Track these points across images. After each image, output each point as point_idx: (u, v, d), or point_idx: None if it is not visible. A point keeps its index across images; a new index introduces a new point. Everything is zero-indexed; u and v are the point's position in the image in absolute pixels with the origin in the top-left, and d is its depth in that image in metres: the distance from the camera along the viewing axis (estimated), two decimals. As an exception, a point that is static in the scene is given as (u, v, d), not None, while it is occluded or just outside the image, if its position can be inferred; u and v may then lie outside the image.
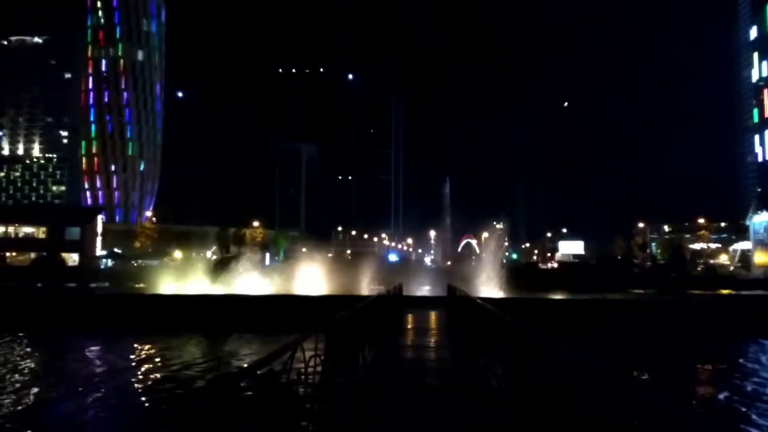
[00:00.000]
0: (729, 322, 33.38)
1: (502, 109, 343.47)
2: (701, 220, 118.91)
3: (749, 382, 20.56)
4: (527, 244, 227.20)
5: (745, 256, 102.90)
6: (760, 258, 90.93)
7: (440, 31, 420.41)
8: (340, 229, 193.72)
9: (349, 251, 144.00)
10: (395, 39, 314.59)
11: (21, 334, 30.48)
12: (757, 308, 37.62)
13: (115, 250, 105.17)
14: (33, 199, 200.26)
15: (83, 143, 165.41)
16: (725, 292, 57.42)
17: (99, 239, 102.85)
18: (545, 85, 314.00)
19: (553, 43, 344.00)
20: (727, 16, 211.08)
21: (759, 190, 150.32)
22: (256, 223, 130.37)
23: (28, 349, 27.17)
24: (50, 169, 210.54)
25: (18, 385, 19.12)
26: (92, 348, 27.55)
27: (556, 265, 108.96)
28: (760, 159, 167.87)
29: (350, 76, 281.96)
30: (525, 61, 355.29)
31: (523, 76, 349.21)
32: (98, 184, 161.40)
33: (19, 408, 16.19)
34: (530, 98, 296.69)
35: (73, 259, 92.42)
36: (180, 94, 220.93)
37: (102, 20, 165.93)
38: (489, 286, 44.92)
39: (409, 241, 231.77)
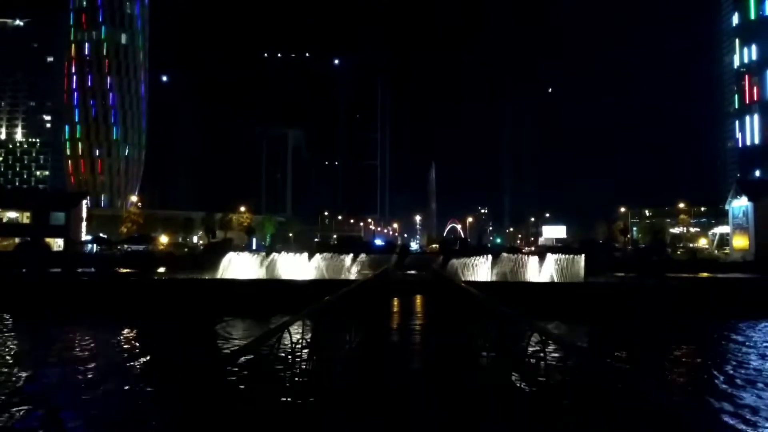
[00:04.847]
0: (708, 304, 34.59)
1: (487, 95, 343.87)
2: (681, 205, 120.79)
3: (726, 362, 21.53)
4: (511, 229, 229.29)
5: (724, 240, 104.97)
6: (738, 242, 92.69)
7: (427, 16, 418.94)
8: (326, 214, 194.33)
9: (335, 236, 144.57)
10: (381, 24, 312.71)
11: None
12: (735, 291, 39.04)
13: (101, 235, 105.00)
14: (16, 183, 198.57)
15: (67, 128, 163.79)
16: (704, 275, 58.69)
17: (84, 224, 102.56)
18: (529, 71, 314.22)
19: (536, 30, 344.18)
20: (709, 2, 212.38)
21: (738, 175, 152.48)
22: (242, 208, 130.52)
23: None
24: (34, 154, 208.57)
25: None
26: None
27: (533, 249, 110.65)
28: (740, 144, 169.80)
29: (336, 61, 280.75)
30: (510, 48, 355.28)
31: (508, 62, 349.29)
32: (82, 168, 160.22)
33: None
34: (515, 85, 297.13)
35: (58, 244, 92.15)
36: (164, 78, 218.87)
37: (84, 3, 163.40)
38: (474, 271, 45.77)
39: (395, 225, 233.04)
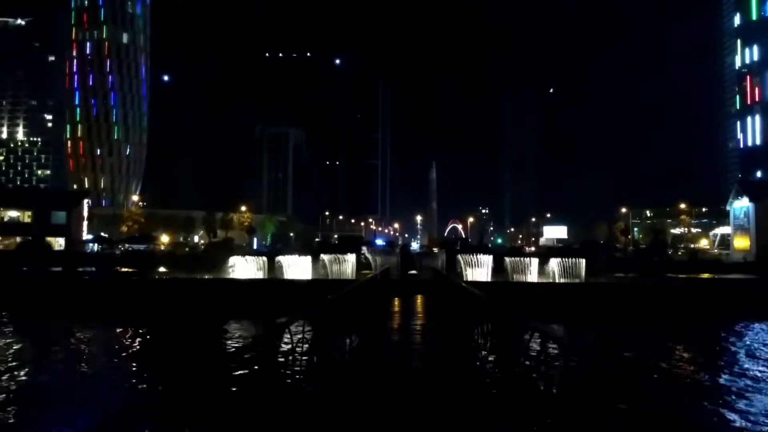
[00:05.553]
0: (707, 304, 34.59)
1: (489, 95, 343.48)
2: (683, 206, 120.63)
3: (721, 360, 21.56)
4: (512, 229, 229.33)
5: (725, 241, 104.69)
6: (739, 243, 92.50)
7: (428, 16, 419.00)
8: (327, 213, 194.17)
9: (336, 236, 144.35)
10: (383, 24, 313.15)
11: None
12: (734, 291, 39.05)
13: (102, 234, 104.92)
14: (18, 183, 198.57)
15: (68, 127, 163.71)
16: (705, 275, 58.61)
17: (85, 223, 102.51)
18: (531, 72, 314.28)
19: (538, 31, 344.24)
20: (710, 3, 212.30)
21: (740, 175, 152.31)
22: (243, 208, 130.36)
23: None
24: (35, 153, 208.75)
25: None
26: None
27: (533, 249, 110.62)
28: (741, 145, 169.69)
29: (338, 61, 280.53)
30: (511, 49, 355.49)
31: (510, 62, 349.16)
32: (84, 167, 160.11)
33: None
34: (517, 85, 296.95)
35: (59, 243, 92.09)
36: (166, 78, 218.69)
37: (86, 2, 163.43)
38: (475, 270, 45.74)
39: (396, 225, 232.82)
